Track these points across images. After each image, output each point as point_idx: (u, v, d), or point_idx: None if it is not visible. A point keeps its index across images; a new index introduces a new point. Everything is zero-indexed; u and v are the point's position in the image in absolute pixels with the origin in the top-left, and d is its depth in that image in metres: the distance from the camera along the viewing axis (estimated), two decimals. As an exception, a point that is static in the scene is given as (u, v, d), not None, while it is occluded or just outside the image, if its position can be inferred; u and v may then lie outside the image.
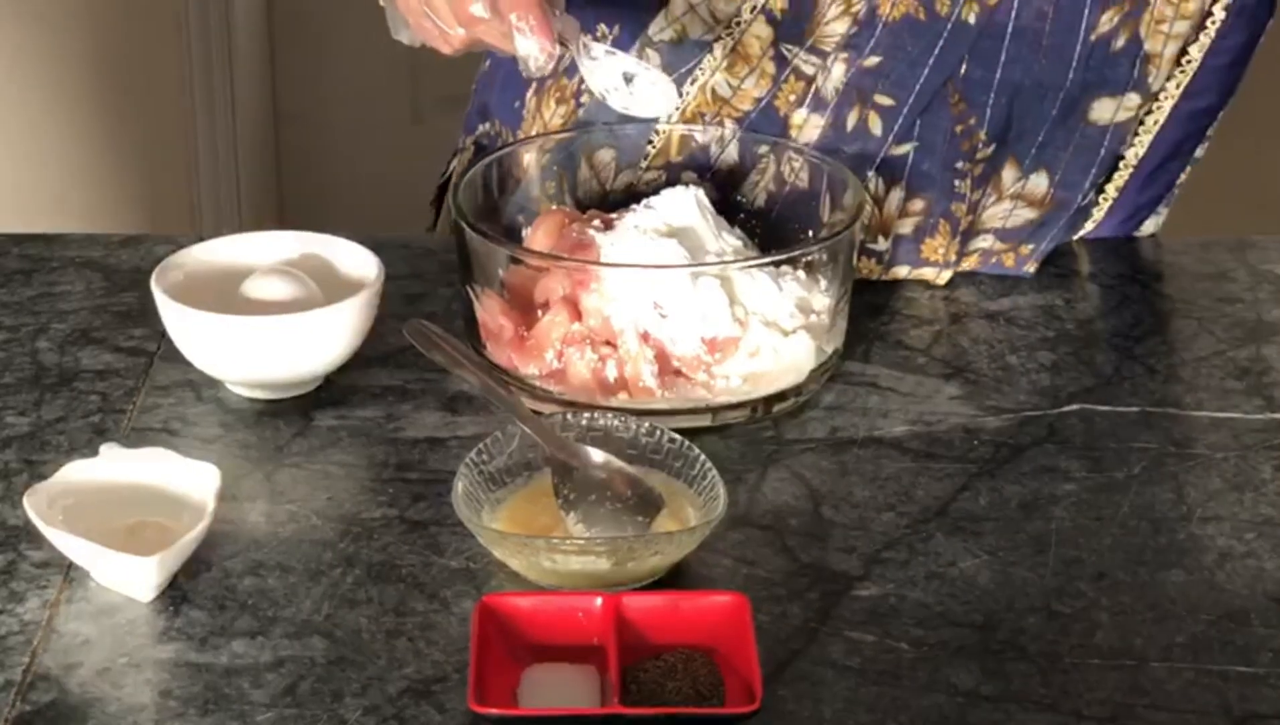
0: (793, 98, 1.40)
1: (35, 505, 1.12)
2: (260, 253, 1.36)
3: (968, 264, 1.46)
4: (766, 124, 1.41)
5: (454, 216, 1.31)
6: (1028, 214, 1.45)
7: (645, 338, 1.26)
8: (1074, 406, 1.31)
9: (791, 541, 1.17)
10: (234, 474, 1.22)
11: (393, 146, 3.19)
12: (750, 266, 1.28)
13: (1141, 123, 1.44)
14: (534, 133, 1.49)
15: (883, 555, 1.16)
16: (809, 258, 1.29)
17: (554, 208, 1.39)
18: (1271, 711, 1.04)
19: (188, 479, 1.16)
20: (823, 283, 1.30)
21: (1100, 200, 1.48)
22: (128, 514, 1.15)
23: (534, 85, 1.50)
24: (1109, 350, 1.38)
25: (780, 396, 1.28)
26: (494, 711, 1.01)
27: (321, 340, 1.28)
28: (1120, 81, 1.40)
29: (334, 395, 1.31)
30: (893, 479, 1.23)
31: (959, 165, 1.41)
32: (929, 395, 1.32)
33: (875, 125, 1.40)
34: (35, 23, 2.75)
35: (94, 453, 1.18)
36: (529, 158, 1.41)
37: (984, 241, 1.46)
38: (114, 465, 1.17)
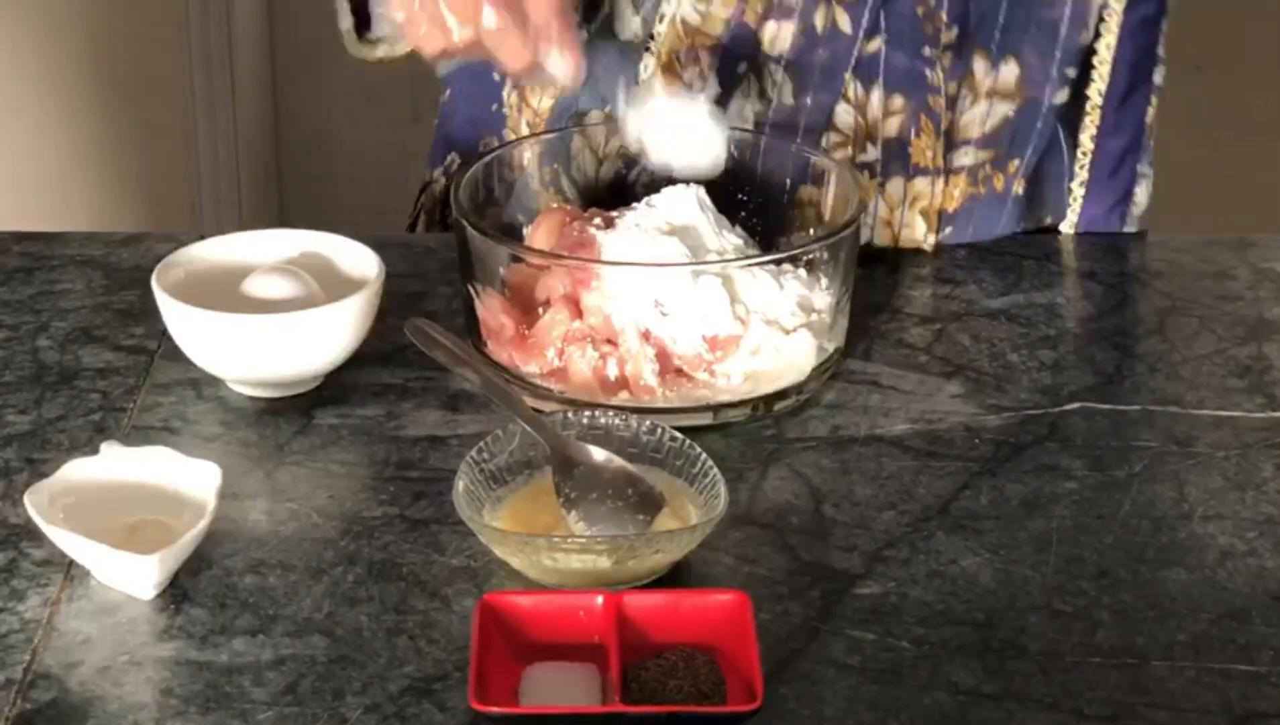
0: (760, 8, 1.40)
1: (36, 503, 1.12)
2: (261, 251, 1.36)
3: (958, 189, 1.47)
4: (741, 45, 1.42)
5: (455, 215, 1.31)
6: (1004, 109, 1.46)
7: (646, 336, 1.26)
8: (1075, 405, 1.31)
9: (793, 540, 1.17)
10: (235, 472, 1.22)
11: (393, 145, 3.19)
12: (751, 265, 1.28)
13: (1095, 52, 1.46)
14: (524, 123, 1.49)
15: (884, 554, 1.16)
16: (810, 256, 1.29)
17: (554, 205, 1.39)
18: (1273, 710, 1.04)
19: (189, 477, 1.16)
20: (824, 281, 1.30)
21: (1080, 154, 1.49)
22: (129, 512, 1.15)
23: (508, 81, 1.50)
24: (1110, 348, 1.38)
25: (781, 395, 1.28)
26: (495, 710, 1.01)
27: (322, 338, 1.28)
28: None
29: (335, 393, 1.31)
30: (894, 477, 1.23)
31: (926, 52, 1.43)
32: (930, 393, 1.32)
33: (844, 22, 1.41)
34: (37, 21, 2.75)
35: (94, 451, 1.18)
36: (527, 153, 1.41)
37: (968, 156, 1.47)
38: (115, 463, 1.17)
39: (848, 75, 1.42)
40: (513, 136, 1.50)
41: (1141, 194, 1.55)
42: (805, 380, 1.29)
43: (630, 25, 1.43)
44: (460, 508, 1.13)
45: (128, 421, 1.28)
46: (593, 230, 1.31)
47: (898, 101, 1.44)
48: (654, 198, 1.33)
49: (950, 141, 1.47)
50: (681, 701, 1.02)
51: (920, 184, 1.46)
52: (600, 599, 1.07)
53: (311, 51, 3.20)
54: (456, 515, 1.14)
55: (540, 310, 1.29)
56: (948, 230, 1.50)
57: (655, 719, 1.02)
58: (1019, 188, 1.48)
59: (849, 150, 1.45)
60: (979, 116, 1.47)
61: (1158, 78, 1.53)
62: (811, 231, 1.38)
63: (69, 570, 1.13)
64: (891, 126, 1.45)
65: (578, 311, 1.27)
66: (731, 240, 1.32)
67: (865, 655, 1.07)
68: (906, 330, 1.39)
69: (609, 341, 1.27)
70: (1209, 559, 1.15)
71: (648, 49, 1.43)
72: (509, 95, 1.51)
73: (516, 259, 1.31)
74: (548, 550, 1.11)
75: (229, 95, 3.04)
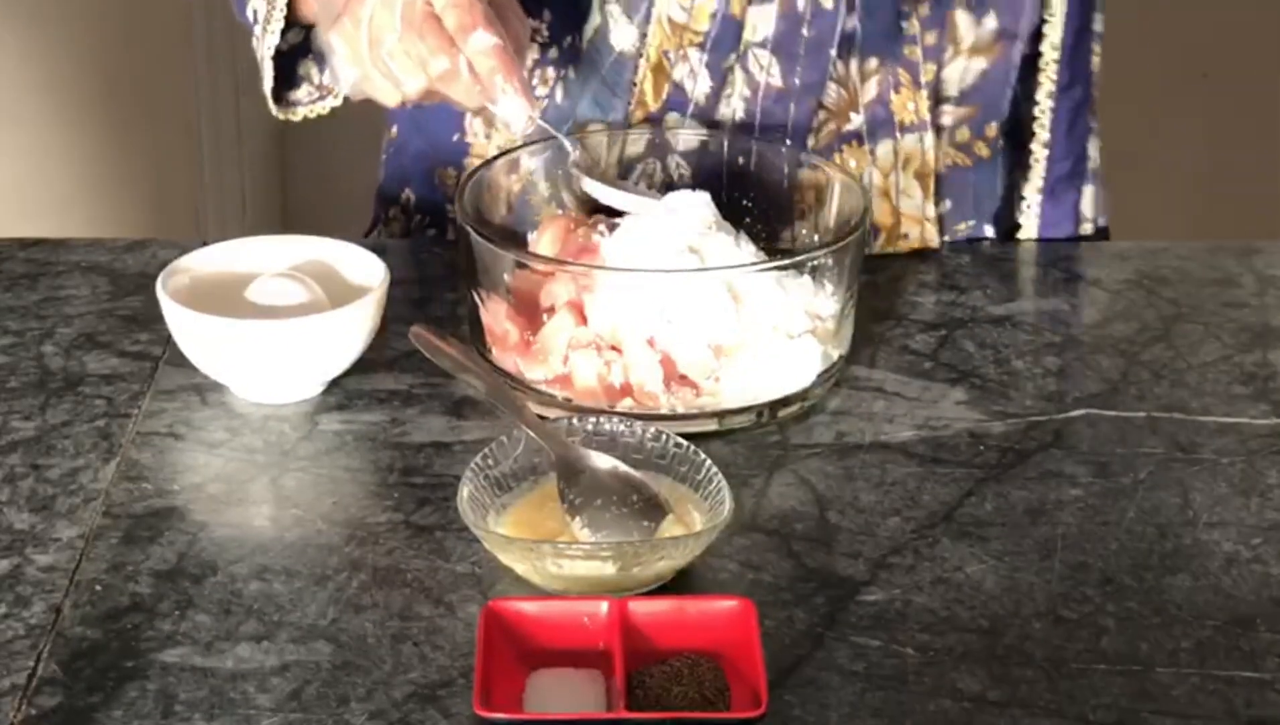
0: None
1: None
2: (265, 257, 1.36)
3: (943, 151, 1.48)
4: (728, 37, 1.43)
5: (460, 221, 1.31)
6: (979, 65, 1.47)
7: (651, 343, 1.26)
8: (1080, 411, 1.31)
9: (797, 546, 1.17)
10: (239, 478, 1.22)
11: (397, 151, 3.19)
12: (756, 271, 1.28)
13: (1047, 5, 1.48)
14: (495, 147, 1.50)
15: (889, 560, 1.16)
16: (814, 263, 1.29)
17: (558, 212, 1.39)
18: (1278, 717, 1.04)
19: None
20: (829, 287, 1.30)
21: (1036, 112, 1.50)
22: None
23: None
24: (1115, 355, 1.38)
25: (786, 401, 1.28)
26: (500, 716, 1.01)
27: (327, 344, 1.28)
28: None
29: (339, 399, 1.31)
30: (899, 484, 1.23)
31: (903, 8, 1.44)
32: (935, 400, 1.32)
33: None
34: (42, 27, 2.75)
35: (100, 457, 1.18)
36: (531, 161, 1.41)
37: (947, 116, 1.48)
38: None
39: (832, 51, 1.43)
40: (478, 163, 1.51)
41: (1093, 148, 1.56)
42: (810, 387, 1.29)
43: (627, 36, 1.43)
44: (465, 514, 1.13)
45: (132, 427, 1.28)
46: (597, 237, 1.31)
47: (873, 63, 1.45)
48: (660, 204, 1.33)
49: (935, 94, 1.47)
50: (686, 708, 1.02)
51: (909, 142, 1.47)
52: (605, 605, 1.07)
53: (316, 57, 3.20)
54: (461, 521, 1.14)
55: (545, 316, 1.29)
56: (947, 204, 1.50)
57: (660, 725, 1.02)
58: (1002, 144, 1.49)
59: (834, 124, 1.46)
60: (956, 72, 1.47)
61: (1098, 25, 1.54)
62: (816, 239, 1.38)
63: (74, 576, 1.13)
64: (870, 88, 1.46)
65: (582, 318, 1.27)
66: (736, 246, 1.32)
67: (870, 662, 1.07)
68: (911, 337, 1.39)
69: (614, 348, 1.27)
70: (1214, 565, 1.15)
71: (640, 55, 1.44)
72: (471, 123, 1.52)
73: (521, 265, 1.31)
74: (552, 556, 1.11)
75: (233, 101, 3.04)
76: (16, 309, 1.41)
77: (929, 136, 1.47)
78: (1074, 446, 1.27)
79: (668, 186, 1.41)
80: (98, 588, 1.13)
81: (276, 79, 1.43)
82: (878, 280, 1.45)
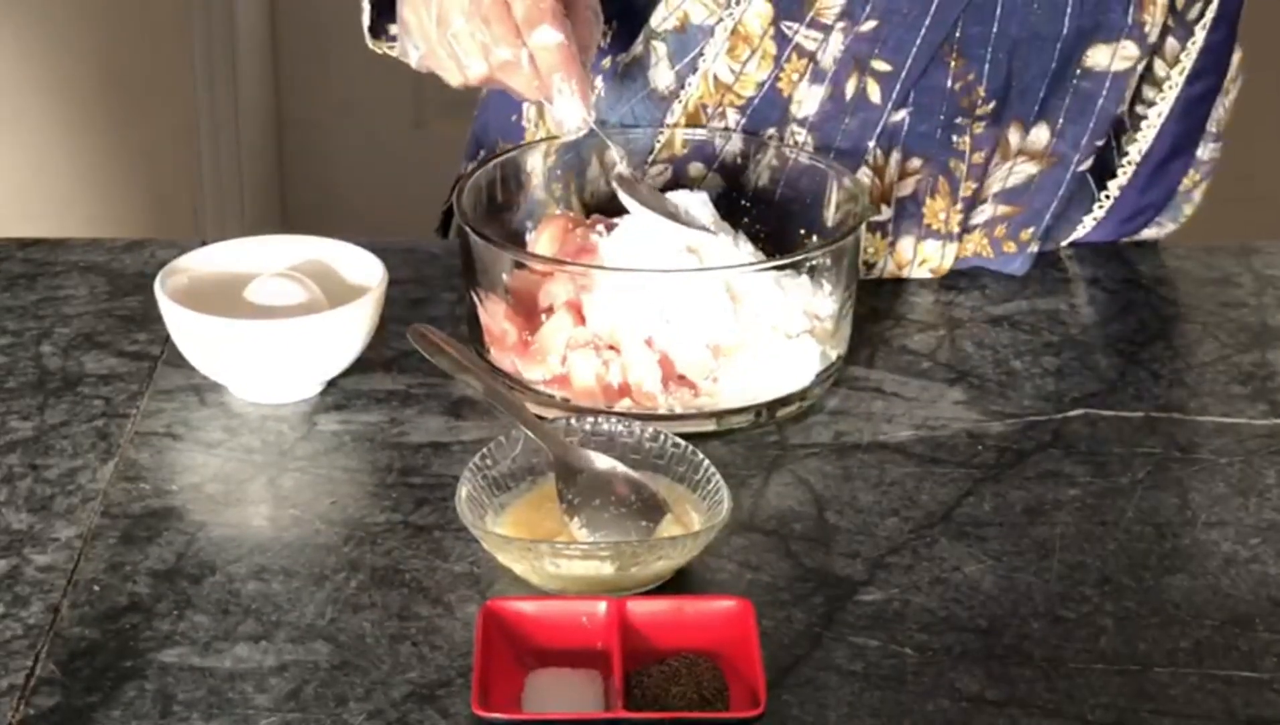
0: (795, 77, 1.40)
1: None
2: (264, 257, 1.36)
3: (971, 243, 1.46)
4: (769, 108, 1.42)
5: (459, 221, 1.31)
6: (1028, 169, 1.45)
7: (649, 343, 1.26)
8: (1078, 411, 1.31)
9: (796, 546, 1.17)
10: (237, 478, 1.22)
11: (396, 151, 3.19)
12: (754, 271, 1.28)
13: (1145, 117, 1.45)
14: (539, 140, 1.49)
15: (887, 560, 1.16)
16: (813, 262, 1.29)
17: (559, 211, 1.39)
18: (1276, 716, 1.04)
19: None
20: (827, 287, 1.30)
21: (1104, 197, 1.48)
22: None
23: None
24: (1113, 355, 1.38)
25: (784, 401, 1.28)
26: (498, 716, 1.01)
27: (325, 344, 1.28)
28: (1114, 27, 1.41)
29: (338, 399, 1.31)
30: (897, 484, 1.23)
31: (958, 121, 1.42)
32: (933, 400, 1.32)
33: (874, 93, 1.40)
34: (41, 28, 2.76)
35: (98, 457, 1.18)
36: (534, 161, 1.41)
37: (985, 212, 1.46)
38: None
39: (871, 144, 1.42)
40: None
41: (1150, 234, 1.54)
42: (808, 387, 1.29)
43: (664, 78, 1.43)
44: (463, 514, 1.13)
45: (131, 427, 1.28)
46: (595, 236, 1.31)
47: (915, 164, 1.43)
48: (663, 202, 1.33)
49: (970, 204, 1.46)
50: (685, 708, 1.02)
51: (930, 247, 1.45)
52: (603, 605, 1.07)
53: (315, 57, 3.21)
54: (459, 521, 1.14)
55: (543, 316, 1.29)
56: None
57: (658, 725, 1.02)
58: (1034, 247, 1.48)
59: None
60: (1001, 175, 1.46)
61: (1202, 151, 1.52)
62: (815, 238, 1.38)
63: (72, 576, 1.13)
64: (907, 186, 1.44)
65: (581, 318, 1.27)
66: (735, 247, 1.32)
67: (868, 662, 1.07)
68: (909, 336, 1.39)
69: (612, 348, 1.27)
70: (1212, 565, 1.15)
71: (677, 98, 1.43)
72: (529, 110, 1.52)
73: (520, 265, 1.31)
74: (551, 556, 1.11)
75: (232, 101, 3.05)
76: (14, 309, 1.41)
77: (952, 247, 1.46)
78: (1072, 446, 1.27)
79: (668, 186, 1.41)
80: (96, 588, 1.13)
81: (375, 11, 1.42)
82: (876, 280, 1.45)
